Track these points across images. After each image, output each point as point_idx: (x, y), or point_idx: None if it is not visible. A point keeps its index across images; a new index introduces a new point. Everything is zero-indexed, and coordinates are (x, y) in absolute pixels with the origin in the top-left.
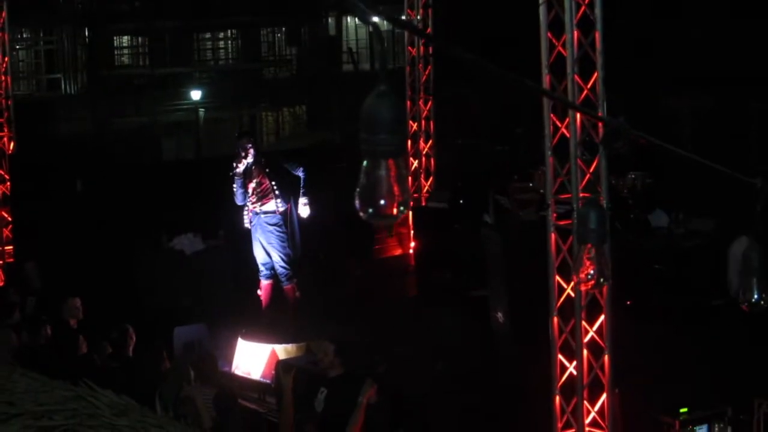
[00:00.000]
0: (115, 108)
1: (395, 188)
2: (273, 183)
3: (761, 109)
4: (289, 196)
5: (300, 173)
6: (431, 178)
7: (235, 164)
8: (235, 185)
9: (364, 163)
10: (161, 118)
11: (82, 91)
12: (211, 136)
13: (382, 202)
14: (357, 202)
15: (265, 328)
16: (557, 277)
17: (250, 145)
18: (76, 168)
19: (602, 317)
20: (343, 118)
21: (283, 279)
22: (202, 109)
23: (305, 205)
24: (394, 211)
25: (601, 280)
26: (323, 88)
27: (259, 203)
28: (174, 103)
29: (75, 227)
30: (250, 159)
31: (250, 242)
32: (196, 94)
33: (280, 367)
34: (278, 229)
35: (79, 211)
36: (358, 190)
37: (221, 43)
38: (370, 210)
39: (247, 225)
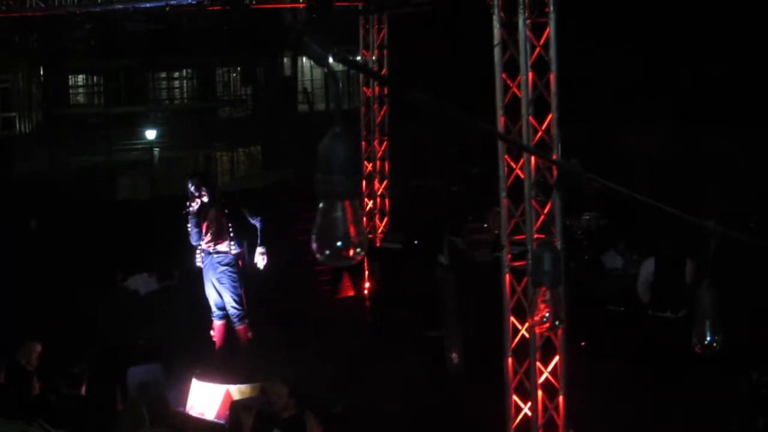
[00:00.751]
0: (70, 147)
1: (351, 230)
2: (229, 225)
3: (716, 149)
4: (243, 240)
5: (257, 223)
6: (386, 219)
7: (188, 203)
8: (189, 224)
9: (320, 204)
10: (116, 157)
11: (37, 130)
12: (166, 175)
13: (339, 243)
14: (314, 244)
15: (219, 368)
16: (512, 318)
17: (201, 186)
18: (30, 207)
19: (557, 358)
20: (298, 159)
21: (235, 320)
22: (157, 149)
23: (262, 254)
24: (351, 253)
25: (557, 322)
26: (278, 128)
27: (213, 243)
28: (129, 142)
29: (28, 266)
30: (204, 198)
31: (203, 283)
32: (151, 134)
33: (239, 406)
34: (230, 269)
35: (33, 250)
36: (314, 231)
37: (176, 83)
38: (327, 252)
39: (198, 264)
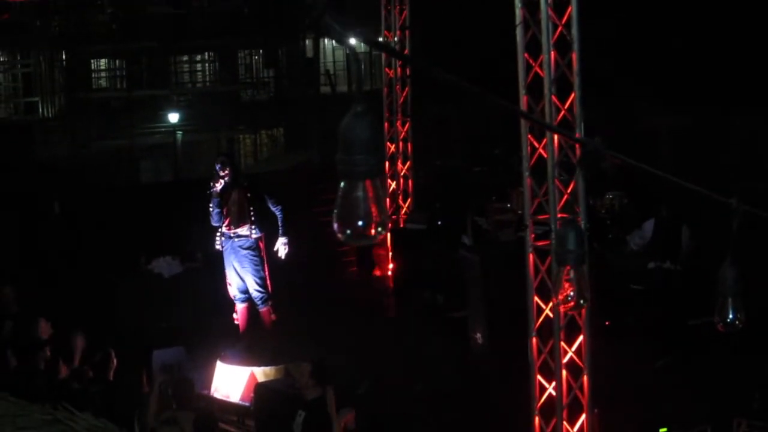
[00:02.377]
0: (92, 131)
1: (373, 209)
2: (251, 208)
3: (740, 127)
4: (265, 224)
5: (278, 212)
6: (409, 199)
7: (212, 183)
8: (211, 205)
9: (342, 184)
10: (139, 140)
11: (60, 114)
12: (188, 158)
13: (360, 223)
14: (335, 224)
15: (244, 351)
16: (536, 298)
17: (227, 166)
18: (53, 191)
19: (581, 338)
20: (320, 140)
21: (258, 302)
22: (180, 132)
23: (284, 245)
24: (372, 232)
25: (581, 301)
26: (301, 110)
27: (234, 226)
28: (152, 126)
29: (53, 250)
30: (227, 179)
31: (221, 263)
32: (173, 117)
33: (263, 388)
34: (251, 253)
35: (57, 234)
36: (335, 211)
37: (199, 66)
38: (348, 231)
39: (218, 247)
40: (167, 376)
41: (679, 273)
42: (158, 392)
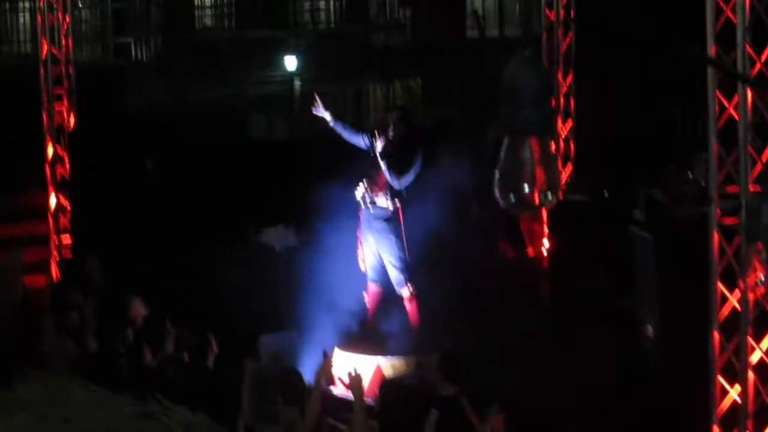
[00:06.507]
0: (194, 78)
1: (540, 171)
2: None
3: None
4: (402, 194)
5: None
6: (570, 166)
7: (377, 134)
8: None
9: (505, 142)
10: (249, 90)
11: (157, 58)
12: (308, 112)
13: (526, 187)
14: (495, 188)
15: (370, 338)
16: (720, 285)
17: (401, 123)
18: (146, 147)
19: None
20: (466, 94)
21: (396, 285)
22: (298, 81)
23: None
24: (539, 198)
25: None
26: (443, 57)
27: (370, 193)
28: (265, 74)
29: (144, 215)
30: (393, 137)
31: (351, 235)
32: (290, 63)
33: (392, 386)
34: (391, 226)
35: (149, 196)
36: (497, 174)
37: (322, 3)
38: (512, 197)
39: (359, 198)
40: (275, 365)
41: None
42: (249, 383)
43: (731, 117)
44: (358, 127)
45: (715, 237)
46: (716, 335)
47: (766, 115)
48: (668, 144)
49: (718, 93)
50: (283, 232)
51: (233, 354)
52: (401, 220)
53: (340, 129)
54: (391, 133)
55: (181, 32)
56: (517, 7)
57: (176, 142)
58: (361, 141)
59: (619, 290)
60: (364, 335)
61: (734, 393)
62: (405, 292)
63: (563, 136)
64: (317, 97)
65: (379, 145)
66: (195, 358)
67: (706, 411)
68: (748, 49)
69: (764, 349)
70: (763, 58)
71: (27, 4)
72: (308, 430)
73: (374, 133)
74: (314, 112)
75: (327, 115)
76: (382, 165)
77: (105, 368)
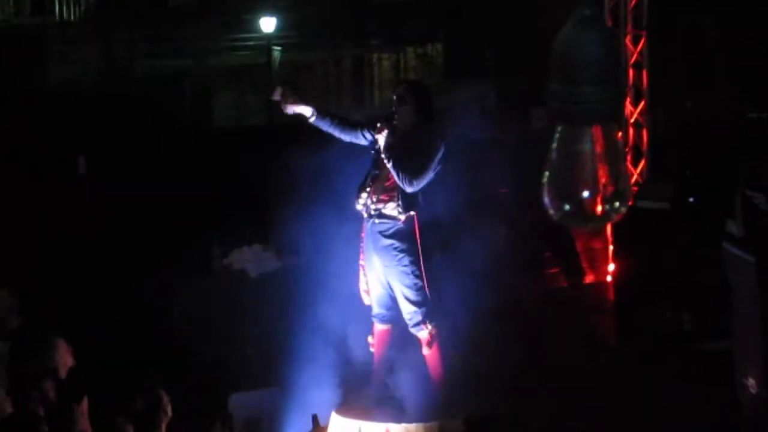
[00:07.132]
0: (138, 44)
1: (602, 171)
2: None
3: None
4: (417, 198)
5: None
6: (643, 162)
7: (379, 125)
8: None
9: (558, 131)
10: (212, 60)
11: (87, 18)
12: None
13: (586, 193)
14: (545, 195)
15: (377, 397)
16: None
17: (404, 103)
18: (76, 137)
19: None
20: (498, 65)
21: (411, 324)
22: (278, 48)
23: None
24: (601, 207)
25: None
26: (467, 17)
27: (375, 200)
28: (234, 38)
29: (75, 232)
30: (397, 124)
31: (351, 257)
32: (268, 24)
33: None
34: (401, 244)
35: (82, 205)
36: (546, 175)
37: None
38: (566, 206)
39: (359, 207)
40: None
41: None
42: None
43: None
44: (354, 122)
45: None
46: None
47: None
48: None
49: None
50: (260, 254)
51: (193, 419)
52: (417, 235)
53: (327, 127)
54: (395, 120)
55: None
56: None
57: (116, 130)
58: (361, 138)
59: (710, 330)
60: (369, 393)
61: None
62: (423, 333)
63: (632, 122)
64: (282, 86)
65: (382, 139)
66: (140, 425)
67: None
68: None
69: None
70: None
71: None
72: None
73: (376, 126)
74: (285, 110)
75: (305, 110)
76: (388, 164)
77: None
